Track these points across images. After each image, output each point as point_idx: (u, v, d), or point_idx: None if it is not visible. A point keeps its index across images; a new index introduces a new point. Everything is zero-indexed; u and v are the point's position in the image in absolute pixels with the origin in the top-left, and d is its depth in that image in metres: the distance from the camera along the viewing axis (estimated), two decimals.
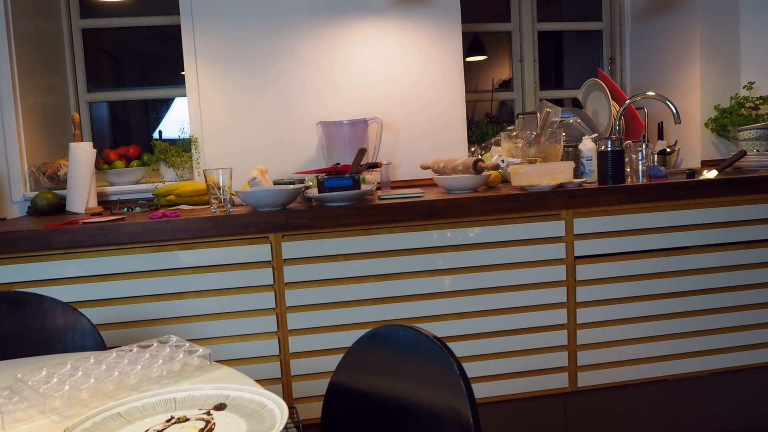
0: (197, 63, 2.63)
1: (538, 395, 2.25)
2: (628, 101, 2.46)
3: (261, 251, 2.04)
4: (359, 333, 2.08)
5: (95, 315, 1.93)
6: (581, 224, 2.19)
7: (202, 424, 0.92)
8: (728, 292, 2.30)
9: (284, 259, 2.05)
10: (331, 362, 2.09)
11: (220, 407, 0.98)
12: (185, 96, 2.75)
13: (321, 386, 2.08)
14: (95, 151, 2.42)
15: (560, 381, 2.25)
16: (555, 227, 2.18)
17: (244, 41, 2.65)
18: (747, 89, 2.85)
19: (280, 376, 2.09)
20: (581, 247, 2.20)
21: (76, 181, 2.36)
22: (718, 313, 2.31)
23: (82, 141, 2.44)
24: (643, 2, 3.18)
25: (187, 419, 0.94)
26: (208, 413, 0.96)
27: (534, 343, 2.21)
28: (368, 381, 1.05)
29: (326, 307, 2.09)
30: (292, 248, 2.05)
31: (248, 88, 2.67)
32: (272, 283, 2.06)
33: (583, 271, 2.21)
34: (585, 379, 2.26)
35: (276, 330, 2.07)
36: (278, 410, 0.93)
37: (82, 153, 2.36)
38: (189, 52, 2.63)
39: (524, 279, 2.18)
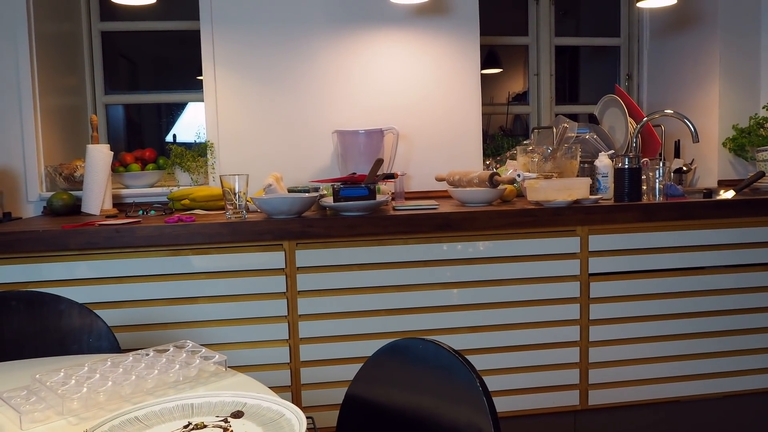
0: (215, 68, 2.64)
1: (548, 412, 2.23)
2: (646, 119, 2.46)
3: (275, 258, 2.04)
4: (371, 343, 2.09)
5: (108, 317, 1.93)
6: (596, 241, 2.18)
7: (219, 431, 0.92)
8: (744, 314, 2.28)
9: (298, 267, 2.05)
10: (342, 372, 2.09)
11: (238, 415, 0.97)
12: (200, 100, 2.76)
13: (331, 395, 2.08)
14: (112, 153, 2.43)
15: (571, 398, 2.23)
16: (570, 243, 2.17)
17: (262, 48, 2.66)
18: (766, 109, 2.84)
19: (290, 384, 2.08)
20: (596, 264, 2.19)
21: (93, 183, 2.37)
22: (733, 335, 2.29)
23: (99, 143, 2.45)
24: (662, 19, 3.17)
25: (205, 426, 0.94)
26: (226, 420, 0.95)
27: (545, 360, 2.20)
28: (386, 393, 1.04)
29: (338, 316, 2.08)
30: (305, 257, 2.05)
31: (265, 95, 2.68)
32: (285, 290, 2.05)
33: (597, 289, 2.19)
34: (596, 398, 2.24)
35: (287, 338, 2.07)
36: (296, 420, 0.92)
37: (99, 155, 2.37)
38: (207, 58, 2.64)
39: (537, 294, 2.17)
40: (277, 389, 2.06)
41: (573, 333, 2.20)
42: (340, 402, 1.14)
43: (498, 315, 2.16)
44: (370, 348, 2.08)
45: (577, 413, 2.27)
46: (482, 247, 2.13)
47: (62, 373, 1.09)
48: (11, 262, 1.94)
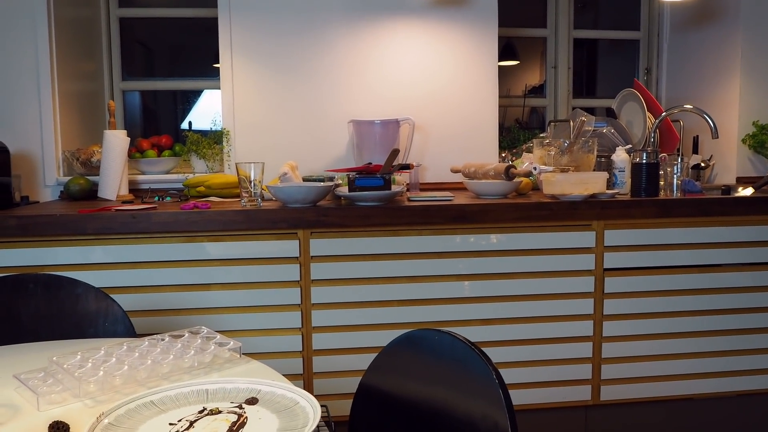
0: (233, 56, 2.64)
1: (560, 406, 2.23)
2: (664, 113, 2.43)
3: (289, 247, 2.04)
4: (383, 334, 2.09)
5: (123, 301, 1.93)
6: (612, 236, 2.16)
7: (234, 417, 0.92)
8: (759, 312, 2.26)
9: (312, 256, 2.05)
10: (354, 361, 2.10)
11: (252, 401, 0.98)
12: (216, 88, 2.76)
13: (342, 384, 2.09)
14: (129, 139, 2.44)
15: (583, 393, 2.22)
16: (585, 238, 2.15)
17: (280, 36, 2.66)
18: None
19: (301, 372, 2.09)
20: (611, 260, 2.17)
21: (109, 168, 2.38)
22: (748, 334, 2.27)
23: (116, 129, 2.46)
24: (682, 13, 3.13)
25: (220, 411, 0.94)
26: (240, 407, 0.96)
27: (558, 354, 2.19)
28: (401, 384, 1.04)
29: (351, 306, 2.09)
30: (320, 245, 2.05)
31: (282, 84, 2.67)
32: (299, 279, 2.06)
33: (612, 284, 2.18)
34: (608, 393, 2.23)
35: (300, 326, 2.08)
36: (311, 408, 0.92)
37: (117, 141, 2.38)
38: (225, 45, 2.64)
39: (552, 288, 2.16)
40: (289, 377, 2.05)
41: (586, 328, 2.19)
42: (352, 391, 1.14)
43: (511, 308, 2.15)
44: (382, 338, 2.08)
45: (588, 408, 2.26)
46: (497, 240, 2.12)
47: (79, 356, 1.10)
48: (28, 245, 1.96)
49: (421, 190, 2.66)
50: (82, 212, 1.96)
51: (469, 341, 0.93)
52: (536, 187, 2.52)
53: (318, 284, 2.07)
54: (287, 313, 2.07)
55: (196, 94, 3.16)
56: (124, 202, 2.30)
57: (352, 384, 2.07)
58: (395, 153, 2.14)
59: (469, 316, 2.14)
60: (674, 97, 3.21)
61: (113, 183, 2.39)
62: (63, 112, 2.59)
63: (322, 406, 0.94)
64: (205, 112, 3.13)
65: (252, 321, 2.06)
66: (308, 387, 2.09)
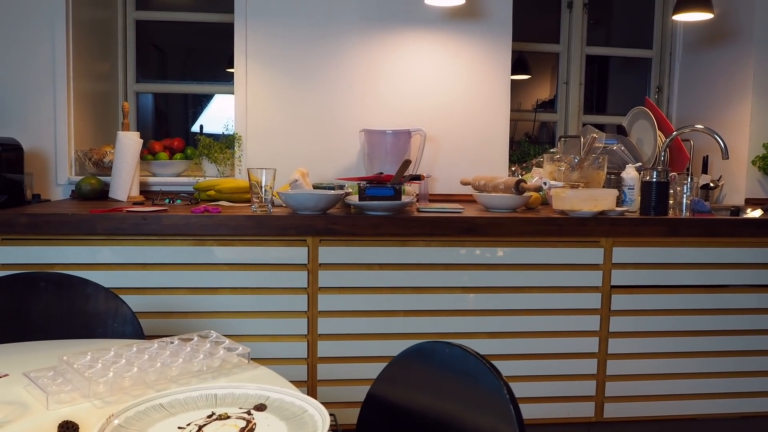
0: (247, 62, 2.65)
1: (563, 422, 2.22)
2: (675, 132, 2.43)
3: (298, 254, 2.05)
4: (389, 344, 2.09)
5: (131, 302, 1.94)
6: (620, 253, 2.16)
7: (243, 423, 0.92)
8: (765, 334, 2.25)
9: (320, 264, 2.06)
10: (359, 370, 2.10)
11: (261, 408, 0.98)
12: (229, 93, 2.77)
13: (346, 393, 2.09)
14: (142, 141, 2.45)
15: (586, 410, 2.22)
16: (593, 254, 2.15)
17: (294, 43, 2.67)
18: None
19: (306, 379, 2.09)
20: (618, 277, 2.17)
21: (121, 169, 2.39)
22: (754, 356, 2.26)
23: (129, 130, 2.48)
24: (696, 33, 3.14)
25: (228, 417, 0.94)
26: (249, 413, 0.96)
27: (562, 370, 2.19)
28: (410, 395, 1.04)
29: (358, 315, 2.09)
30: (328, 253, 2.05)
31: (295, 90, 2.69)
32: (306, 286, 2.06)
33: (619, 301, 2.18)
34: (611, 411, 2.22)
35: (306, 333, 2.08)
36: (319, 416, 0.92)
37: (129, 142, 2.40)
38: (240, 51, 2.65)
39: (558, 304, 2.16)
40: (292, 384, 2.06)
41: (592, 344, 2.19)
42: (356, 400, 1.15)
43: (518, 322, 2.15)
44: (388, 348, 2.09)
45: (591, 425, 2.25)
46: (505, 253, 2.12)
47: (89, 356, 1.10)
48: (38, 243, 1.97)
49: (431, 201, 2.67)
50: (93, 212, 1.97)
51: (480, 355, 0.93)
52: (545, 202, 2.52)
53: (325, 292, 2.07)
54: (294, 319, 2.07)
55: (208, 97, 3.18)
56: (135, 204, 2.31)
57: (356, 393, 2.07)
58: (406, 163, 2.15)
59: (474, 328, 2.13)
60: (685, 117, 3.21)
61: (125, 184, 2.40)
62: (77, 111, 2.61)
63: (330, 414, 0.94)
64: (216, 116, 3.15)
65: (258, 326, 2.06)
66: (312, 394, 2.09)
